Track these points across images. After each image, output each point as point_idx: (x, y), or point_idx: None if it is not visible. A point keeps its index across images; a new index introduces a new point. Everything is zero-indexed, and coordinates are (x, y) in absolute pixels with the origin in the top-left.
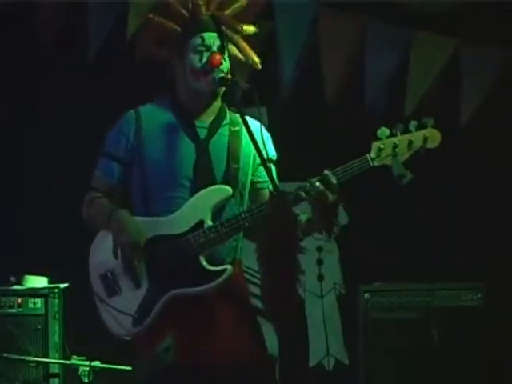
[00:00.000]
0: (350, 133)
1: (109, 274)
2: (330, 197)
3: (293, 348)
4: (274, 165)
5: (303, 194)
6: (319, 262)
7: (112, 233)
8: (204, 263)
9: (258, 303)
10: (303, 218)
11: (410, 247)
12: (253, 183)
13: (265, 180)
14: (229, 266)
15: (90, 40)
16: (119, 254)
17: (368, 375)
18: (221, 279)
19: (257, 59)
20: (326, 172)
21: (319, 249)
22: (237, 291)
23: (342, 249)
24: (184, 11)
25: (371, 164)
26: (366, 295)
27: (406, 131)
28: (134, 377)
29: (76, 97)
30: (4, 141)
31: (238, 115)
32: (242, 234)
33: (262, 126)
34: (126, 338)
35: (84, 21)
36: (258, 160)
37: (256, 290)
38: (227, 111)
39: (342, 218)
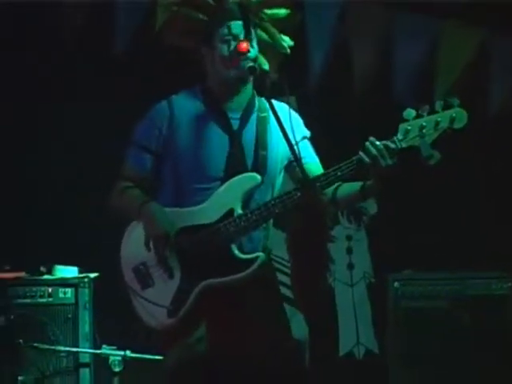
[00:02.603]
0: (379, 121)
1: (141, 267)
2: (388, 161)
3: (323, 337)
4: (311, 143)
5: (365, 157)
6: (349, 250)
7: (143, 225)
8: (236, 252)
9: (286, 292)
10: (357, 185)
11: (439, 236)
12: (291, 162)
13: (304, 156)
14: (261, 254)
15: (118, 31)
16: (151, 245)
17: (398, 364)
18: (254, 266)
19: (285, 44)
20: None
21: (349, 238)
22: (268, 279)
23: (371, 238)
24: (210, 0)
25: (398, 146)
26: (396, 284)
27: (433, 112)
28: (166, 366)
29: (104, 89)
30: (36, 131)
31: (264, 100)
32: (271, 221)
33: (291, 109)
34: (160, 329)
35: (112, 12)
36: (293, 141)
37: (284, 279)
38: (256, 98)
39: (371, 207)
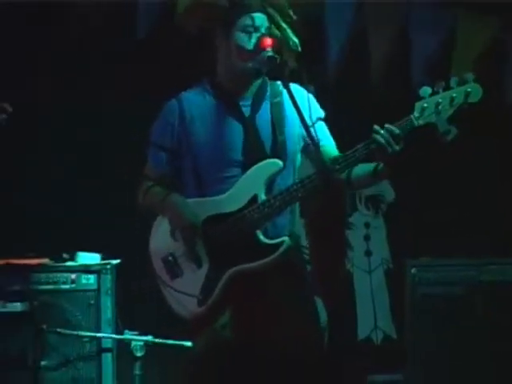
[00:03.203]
0: (396, 108)
1: (170, 258)
2: (395, 147)
3: (341, 322)
4: (326, 123)
5: (372, 144)
6: (367, 237)
7: (168, 216)
8: (261, 237)
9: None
10: (371, 167)
11: (456, 222)
12: (307, 145)
13: (321, 139)
14: (286, 238)
15: (139, 19)
16: (178, 236)
17: (415, 349)
18: (279, 251)
19: (296, 40)
20: (386, 125)
21: (367, 225)
22: (294, 264)
23: (388, 225)
24: None
25: (415, 123)
26: (413, 270)
27: (448, 88)
28: (193, 352)
29: (126, 76)
30: (61, 122)
31: (278, 85)
32: (297, 206)
33: (305, 90)
34: (191, 318)
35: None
36: (310, 122)
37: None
38: (268, 84)
39: (389, 194)
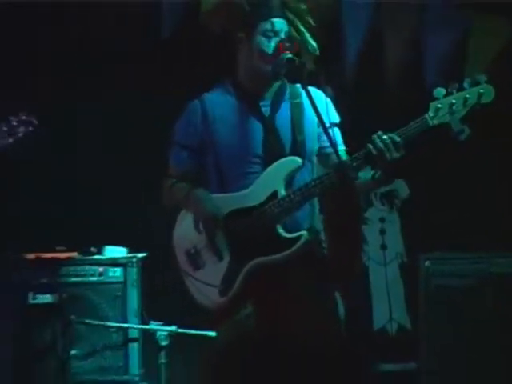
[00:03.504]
0: (412, 109)
1: (192, 250)
2: (394, 154)
3: (358, 313)
4: (339, 129)
5: (373, 150)
6: (382, 232)
7: (191, 209)
8: (281, 231)
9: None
10: (368, 175)
11: (468, 217)
12: (321, 149)
13: (330, 145)
14: (305, 232)
15: (164, 19)
16: (201, 228)
17: (429, 339)
18: (298, 245)
19: (315, 44)
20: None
21: (382, 220)
22: (314, 258)
23: (403, 220)
24: None
25: (430, 123)
26: (427, 263)
27: (461, 89)
28: (217, 342)
29: (149, 76)
30: (91, 121)
31: (298, 87)
32: (316, 201)
33: (323, 93)
34: (213, 308)
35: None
36: (327, 124)
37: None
38: (287, 86)
39: (403, 191)
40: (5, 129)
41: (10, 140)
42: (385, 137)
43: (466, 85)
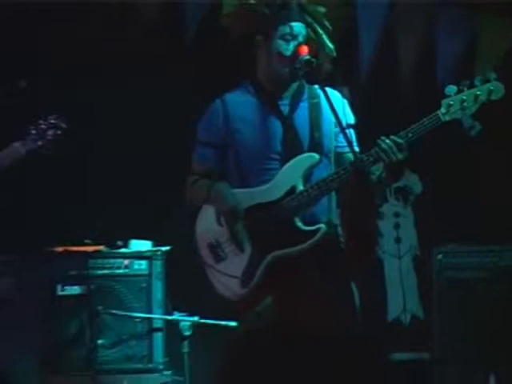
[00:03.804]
0: (424, 108)
1: (214, 243)
2: (399, 156)
3: (373, 304)
4: (354, 130)
5: (380, 153)
6: (396, 226)
7: (213, 204)
8: (299, 224)
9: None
10: (376, 173)
11: (478, 212)
12: (336, 147)
13: (345, 145)
14: (322, 225)
15: (186, 25)
16: (222, 221)
17: (441, 329)
18: (316, 237)
19: (332, 46)
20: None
21: (396, 214)
22: (331, 250)
23: (416, 214)
24: None
25: (442, 119)
26: (439, 256)
27: (472, 86)
28: (238, 332)
29: (174, 76)
30: (118, 119)
31: (316, 88)
32: (334, 196)
33: (339, 94)
34: (235, 299)
35: (182, 7)
36: (339, 126)
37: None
38: (305, 86)
39: (417, 187)
40: (34, 132)
41: (39, 143)
42: (388, 141)
43: (476, 82)
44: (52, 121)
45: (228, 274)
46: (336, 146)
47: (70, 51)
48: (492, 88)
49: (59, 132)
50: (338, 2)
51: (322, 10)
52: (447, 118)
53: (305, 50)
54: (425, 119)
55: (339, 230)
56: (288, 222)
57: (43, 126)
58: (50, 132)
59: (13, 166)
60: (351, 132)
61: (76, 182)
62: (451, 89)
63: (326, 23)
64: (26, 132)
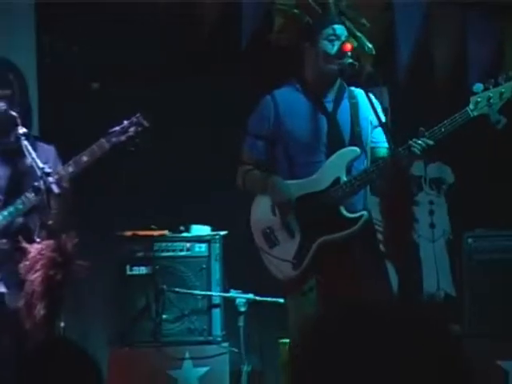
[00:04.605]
0: (456, 108)
1: (268, 230)
2: (428, 142)
3: (410, 283)
4: (386, 128)
5: (416, 149)
6: (431, 212)
7: (269, 194)
8: (344, 212)
9: (381, 247)
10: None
11: (507, 199)
12: (370, 142)
13: (378, 141)
14: (365, 212)
15: (242, 31)
16: (276, 211)
17: (471, 305)
18: (360, 223)
19: (370, 45)
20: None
21: (431, 202)
22: (371, 234)
23: (449, 202)
24: (317, 7)
25: (471, 115)
26: (470, 240)
27: (497, 84)
28: (286, 308)
29: (231, 82)
30: (184, 116)
31: (353, 89)
32: (367, 186)
33: (373, 96)
34: (286, 280)
35: (239, 13)
36: (373, 124)
37: (380, 236)
38: (346, 87)
39: (449, 177)
40: (117, 128)
41: (122, 138)
42: (419, 141)
43: (501, 80)
44: (134, 119)
45: (280, 258)
46: (371, 141)
47: (142, 53)
48: None
49: (140, 129)
50: (376, 6)
51: (357, 11)
52: (475, 113)
53: (348, 47)
54: (456, 115)
55: (374, 214)
56: (334, 210)
57: (126, 124)
58: (132, 129)
59: (99, 158)
60: (384, 130)
61: (146, 173)
62: (478, 86)
63: (364, 22)
64: (110, 128)
